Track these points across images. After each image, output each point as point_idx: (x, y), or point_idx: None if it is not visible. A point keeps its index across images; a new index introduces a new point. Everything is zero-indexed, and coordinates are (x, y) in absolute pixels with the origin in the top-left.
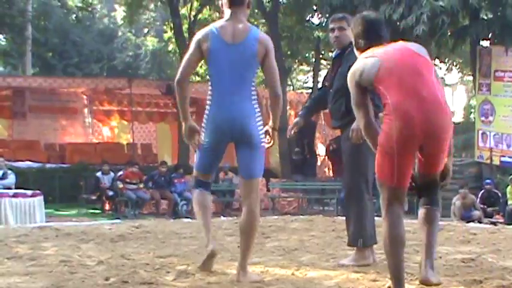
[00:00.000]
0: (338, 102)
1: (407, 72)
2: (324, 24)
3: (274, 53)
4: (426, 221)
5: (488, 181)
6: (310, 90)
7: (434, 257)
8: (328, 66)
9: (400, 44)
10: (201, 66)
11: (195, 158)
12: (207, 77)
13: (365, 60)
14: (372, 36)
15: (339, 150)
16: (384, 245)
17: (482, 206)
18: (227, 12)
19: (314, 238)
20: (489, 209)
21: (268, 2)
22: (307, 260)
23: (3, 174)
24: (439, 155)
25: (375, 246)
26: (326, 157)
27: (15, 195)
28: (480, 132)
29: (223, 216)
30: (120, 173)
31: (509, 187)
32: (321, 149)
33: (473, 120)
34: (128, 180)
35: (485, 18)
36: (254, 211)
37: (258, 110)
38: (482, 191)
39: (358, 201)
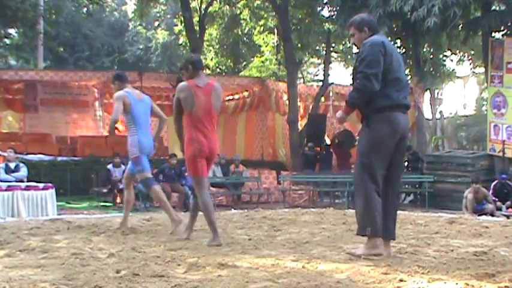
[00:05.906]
0: None
1: None
2: (334, 17)
3: None
4: None
5: (503, 176)
6: (320, 83)
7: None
8: (339, 59)
9: None
10: (211, 59)
11: None
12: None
13: None
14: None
15: (342, 144)
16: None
17: (494, 198)
18: None
19: (325, 231)
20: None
21: None
22: (318, 252)
23: (16, 167)
24: None
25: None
26: (331, 149)
27: (27, 188)
28: (492, 124)
29: (234, 209)
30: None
31: None
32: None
33: (485, 112)
34: None
35: (498, 9)
36: None
37: None
38: (496, 181)
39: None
